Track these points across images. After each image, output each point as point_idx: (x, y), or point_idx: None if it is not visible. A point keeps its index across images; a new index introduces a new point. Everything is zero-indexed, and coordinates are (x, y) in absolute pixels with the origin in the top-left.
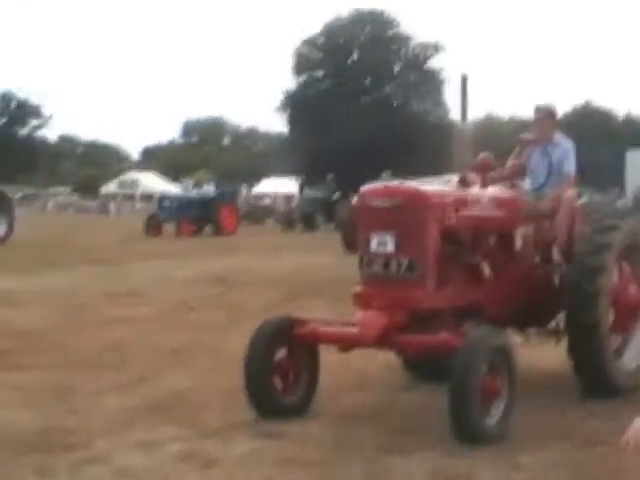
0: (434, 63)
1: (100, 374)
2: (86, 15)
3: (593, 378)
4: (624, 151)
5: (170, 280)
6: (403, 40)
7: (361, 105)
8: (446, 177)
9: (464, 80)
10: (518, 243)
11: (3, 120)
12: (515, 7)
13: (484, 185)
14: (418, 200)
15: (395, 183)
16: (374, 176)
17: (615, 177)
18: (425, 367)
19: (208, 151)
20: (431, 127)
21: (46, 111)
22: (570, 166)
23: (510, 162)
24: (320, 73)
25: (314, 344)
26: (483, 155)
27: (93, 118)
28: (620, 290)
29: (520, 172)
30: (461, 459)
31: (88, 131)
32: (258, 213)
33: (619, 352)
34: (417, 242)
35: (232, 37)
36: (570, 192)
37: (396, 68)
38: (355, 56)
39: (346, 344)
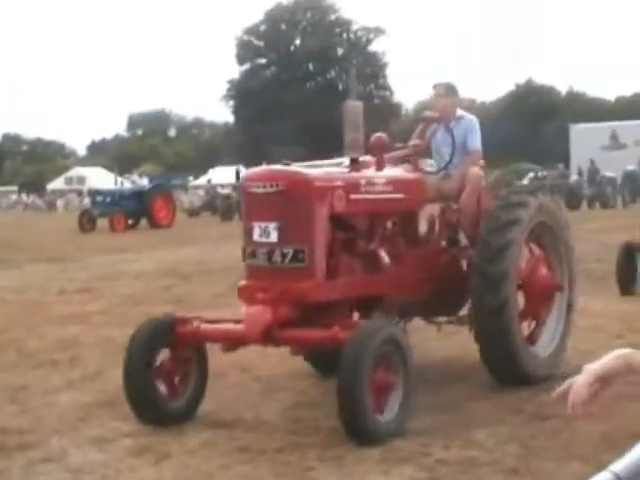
0: (376, 46)
1: (53, 372)
2: (25, 11)
3: (501, 365)
4: (567, 126)
5: (120, 274)
6: (344, 24)
7: (307, 90)
8: (338, 159)
9: (350, 60)
10: (422, 227)
11: None
12: None
13: (380, 166)
14: (301, 184)
15: (277, 167)
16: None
17: (560, 152)
18: (324, 361)
19: (154, 143)
20: (377, 110)
21: None
22: (475, 142)
23: (413, 141)
24: (263, 61)
25: (199, 344)
26: (378, 135)
27: (36, 116)
28: (530, 273)
29: (424, 152)
30: (414, 438)
31: (32, 129)
32: (216, 203)
33: (531, 339)
34: (302, 230)
35: (173, 28)
36: (475, 169)
37: (339, 52)
38: (297, 42)
39: (231, 342)
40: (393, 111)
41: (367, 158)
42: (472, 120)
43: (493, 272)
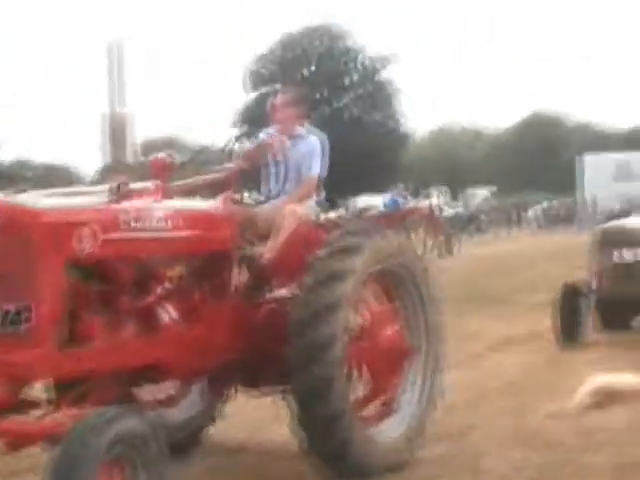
0: (387, 75)
1: None
2: (32, 31)
3: (330, 455)
4: (575, 157)
5: None
6: (355, 52)
7: (316, 118)
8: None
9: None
10: (227, 275)
11: None
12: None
13: (161, 195)
14: (22, 220)
15: None
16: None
17: (569, 183)
18: None
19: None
20: (387, 138)
21: None
22: (313, 168)
23: (231, 164)
24: (276, 87)
25: None
26: (159, 155)
27: (47, 140)
28: (369, 335)
29: (243, 176)
30: (424, 467)
31: (43, 154)
32: None
33: (377, 417)
34: (25, 282)
35: (182, 55)
36: (290, 207)
37: (350, 80)
38: (310, 69)
39: None
40: (403, 139)
41: (148, 185)
42: (315, 141)
43: (315, 338)
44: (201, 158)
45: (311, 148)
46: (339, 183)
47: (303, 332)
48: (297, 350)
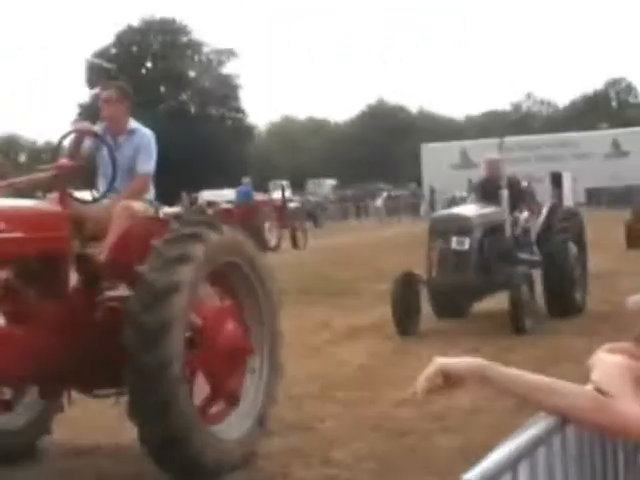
0: (228, 69)
1: None
2: None
3: (164, 450)
4: (419, 145)
5: None
6: (196, 46)
7: (158, 114)
8: None
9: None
10: (61, 276)
11: None
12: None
13: None
14: None
15: None
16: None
17: (412, 172)
18: None
19: (3, 172)
20: (230, 132)
21: None
22: (145, 164)
23: (60, 161)
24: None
25: None
26: None
27: None
28: (211, 328)
29: (75, 173)
30: (276, 459)
31: None
32: None
33: (222, 414)
34: None
35: (19, 52)
36: (123, 203)
37: (191, 74)
38: (150, 64)
39: None
40: (246, 133)
41: None
42: (146, 135)
43: (152, 322)
44: (42, 156)
45: (144, 142)
46: (183, 178)
47: (140, 316)
48: (133, 334)
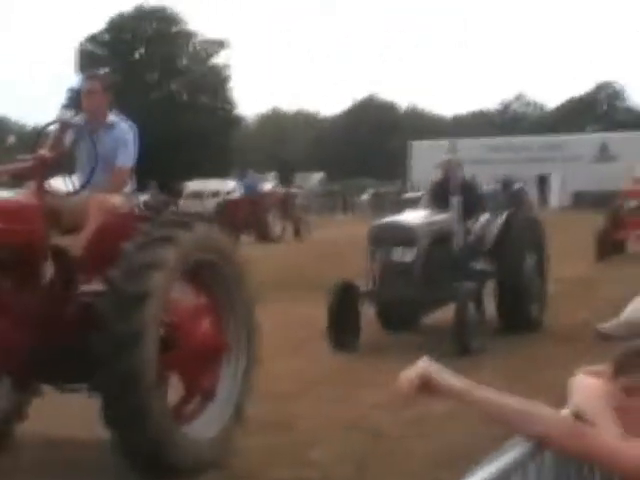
0: (219, 59)
1: None
2: None
3: (140, 452)
4: (407, 142)
5: None
6: (188, 36)
7: (150, 100)
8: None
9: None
10: (35, 269)
11: None
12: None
13: None
14: None
15: None
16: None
17: (399, 168)
18: None
19: None
20: (219, 123)
21: None
22: (125, 158)
23: (40, 152)
24: (106, 70)
25: None
26: None
27: None
28: (185, 328)
29: (55, 165)
30: (251, 458)
31: None
32: None
33: (198, 410)
34: None
35: (10, 35)
36: (99, 196)
37: (182, 63)
38: (142, 51)
39: None
40: (235, 124)
41: None
42: (126, 129)
43: (123, 330)
44: (29, 141)
45: (124, 136)
46: (170, 168)
47: (111, 322)
48: (105, 340)
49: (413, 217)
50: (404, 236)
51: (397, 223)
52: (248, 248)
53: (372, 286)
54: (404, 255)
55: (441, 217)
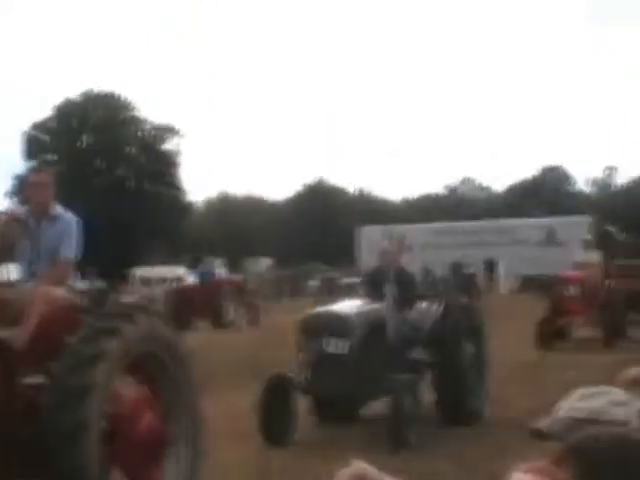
0: (169, 145)
1: None
2: None
3: None
4: (355, 228)
5: None
6: (138, 123)
7: (94, 188)
8: None
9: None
10: None
11: None
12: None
13: None
14: None
15: None
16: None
17: (348, 252)
18: None
19: None
20: (166, 209)
21: None
22: (68, 250)
23: None
24: (51, 157)
25: None
26: None
27: None
28: (128, 419)
29: None
30: None
31: None
32: None
33: None
34: None
35: None
36: (45, 288)
37: (129, 150)
38: (89, 138)
39: None
40: (183, 210)
41: None
42: (70, 221)
43: (66, 423)
44: None
45: (68, 228)
46: (116, 255)
47: (56, 416)
48: (50, 433)
49: (348, 306)
50: (338, 326)
51: (331, 313)
52: (204, 334)
53: (305, 378)
54: (338, 346)
55: (376, 306)
